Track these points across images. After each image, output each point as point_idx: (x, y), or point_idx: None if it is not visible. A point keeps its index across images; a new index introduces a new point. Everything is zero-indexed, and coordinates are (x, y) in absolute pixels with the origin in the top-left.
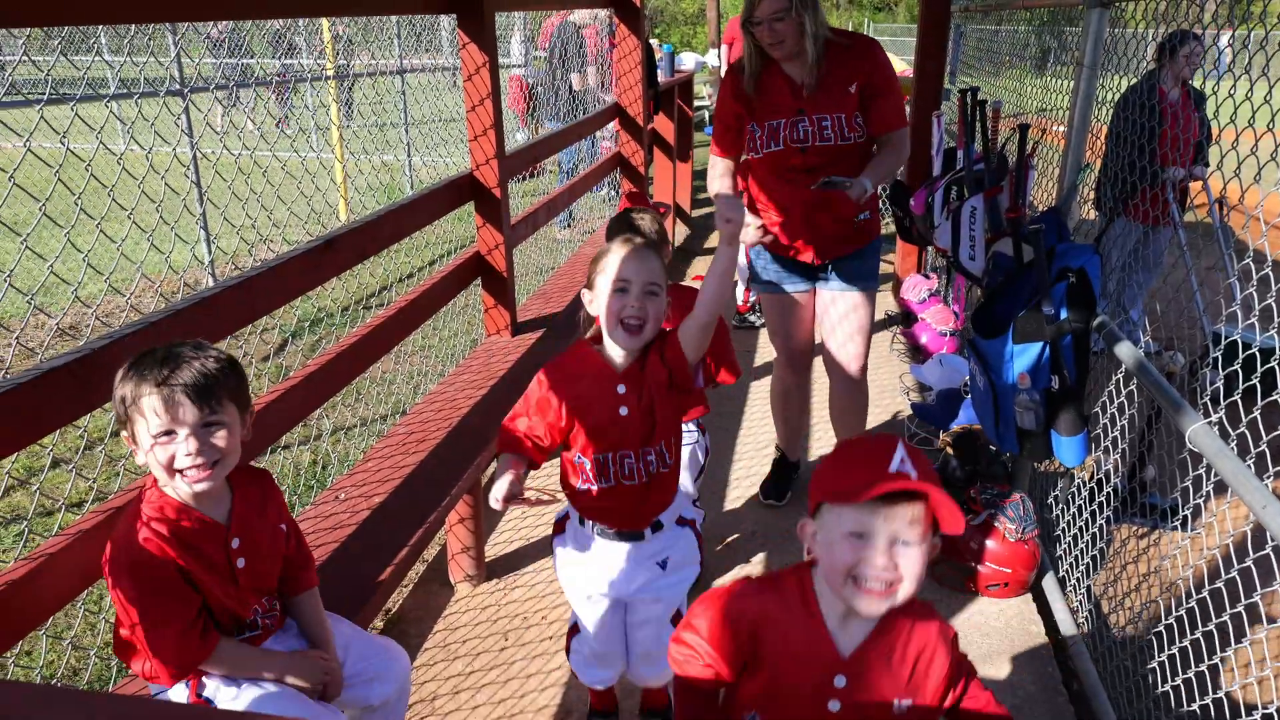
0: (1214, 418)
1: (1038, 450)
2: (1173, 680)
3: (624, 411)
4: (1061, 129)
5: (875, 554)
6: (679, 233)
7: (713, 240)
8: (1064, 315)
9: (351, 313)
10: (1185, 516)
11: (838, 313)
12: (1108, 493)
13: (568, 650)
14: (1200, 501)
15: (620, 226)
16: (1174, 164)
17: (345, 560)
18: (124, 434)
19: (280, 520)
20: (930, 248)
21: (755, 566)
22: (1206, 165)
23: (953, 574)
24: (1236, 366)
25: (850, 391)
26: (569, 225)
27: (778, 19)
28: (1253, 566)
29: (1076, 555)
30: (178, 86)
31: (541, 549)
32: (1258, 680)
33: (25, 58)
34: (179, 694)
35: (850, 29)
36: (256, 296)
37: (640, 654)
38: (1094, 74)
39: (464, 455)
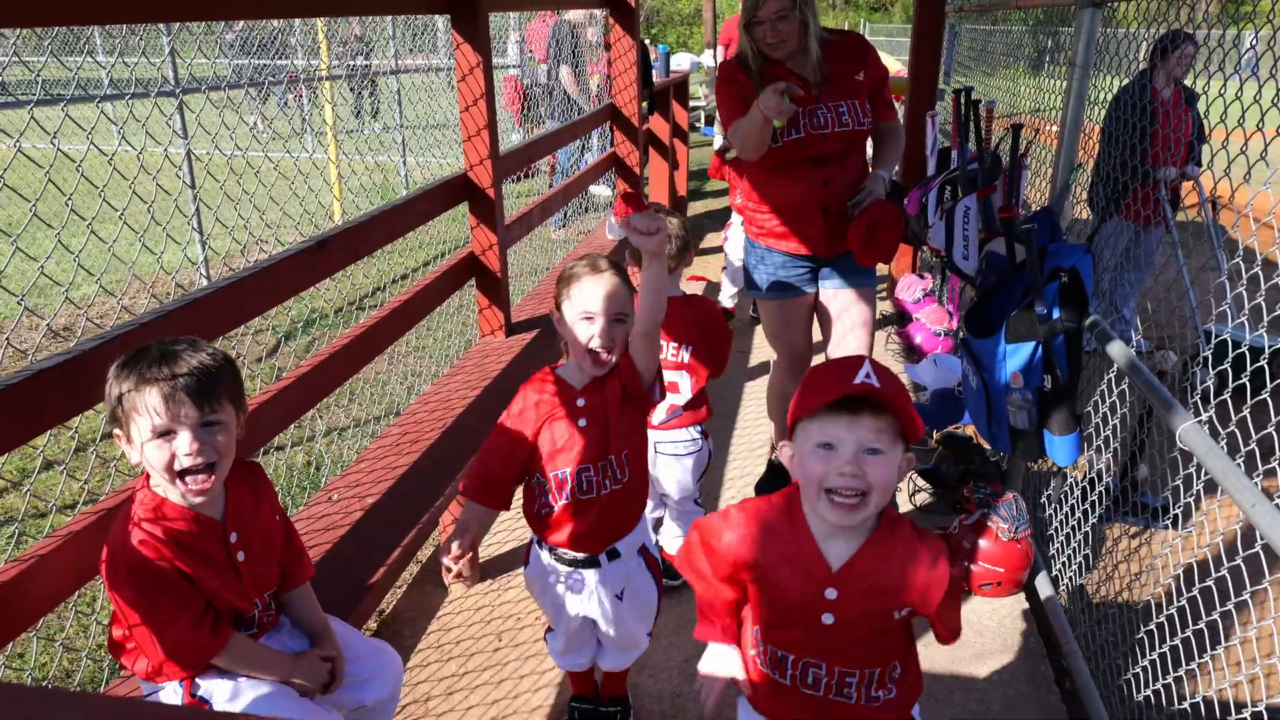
0: (1204, 417)
1: (1030, 449)
2: (1164, 678)
3: (583, 423)
4: (1054, 128)
5: (842, 461)
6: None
7: (710, 240)
8: (1056, 315)
9: (345, 314)
10: (1176, 515)
11: (837, 309)
12: (1100, 492)
13: (546, 639)
14: (1191, 500)
15: None
16: (1166, 163)
17: (338, 561)
18: (116, 432)
19: (274, 513)
20: (924, 247)
21: None
22: (1199, 165)
23: None
24: (1226, 365)
25: None
26: (564, 225)
27: (781, 18)
28: (1243, 565)
29: (1069, 554)
30: (170, 87)
31: None
32: (1248, 678)
33: (16, 59)
34: (172, 693)
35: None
36: (248, 297)
37: (609, 644)
38: (1086, 73)
39: (457, 455)
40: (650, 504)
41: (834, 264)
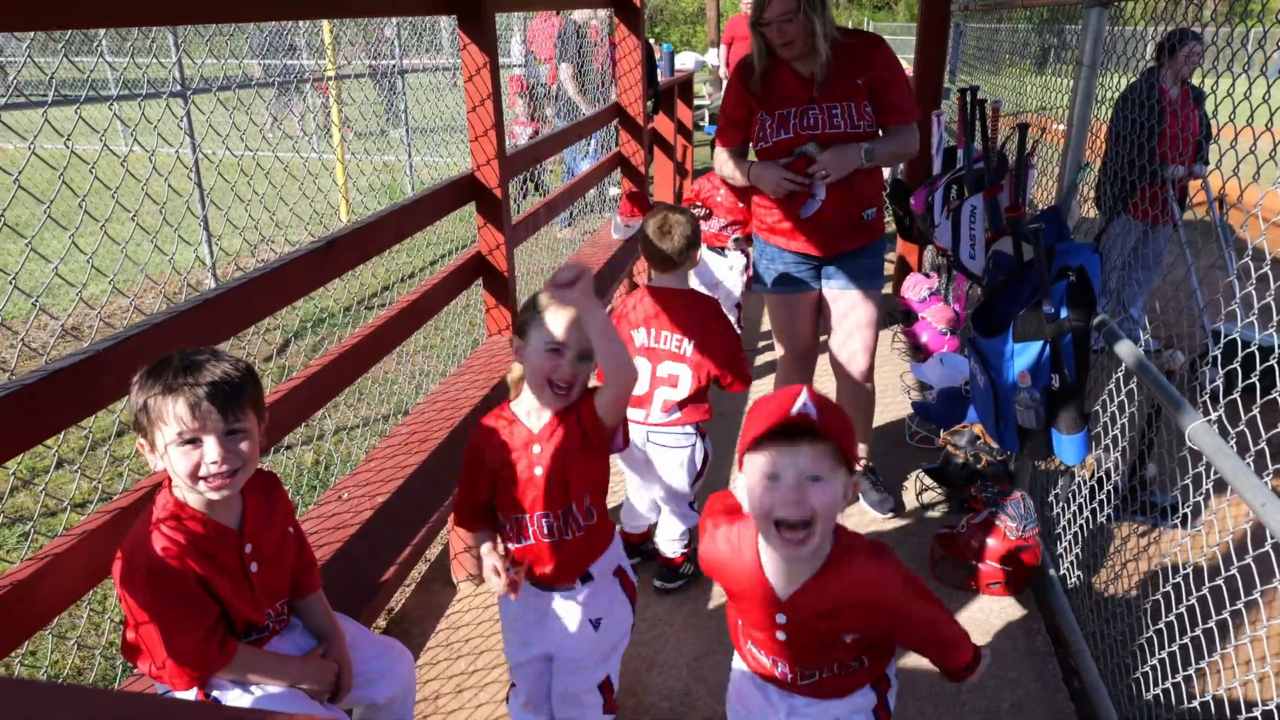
0: (1213, 416)
1: (1038, 448)
2: (1173, 677)
3: (538, 472)
4: (1061, 127)
5: (785, 489)
6: None
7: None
8: (1064, 314)
9: (354, 313)
10: (1185, 514)
11: (839, 311)
12: (1108, 490)
13: (508, 700)
14: (1200, 499)
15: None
16: (1174, 162)
17: (349, 560)
18: (139, 440)
19: (288, 524)
20: (930, 246)
21: None
22: (1206, 163)
23: (953, 572)
24: (1236, 365)
25: (855, 391)
26: (570, 225)
27: (786, 20)
28: (1252, 564)
29: (1077, 553)
30: (178, 88)
31: None
32: (1258, 677)
33: (29, 59)
34: (187, 693)
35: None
36: (258, 297)
37: (560, 698)
38: (1093, 72)
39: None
40: (646, 506)
41: (836, 263)
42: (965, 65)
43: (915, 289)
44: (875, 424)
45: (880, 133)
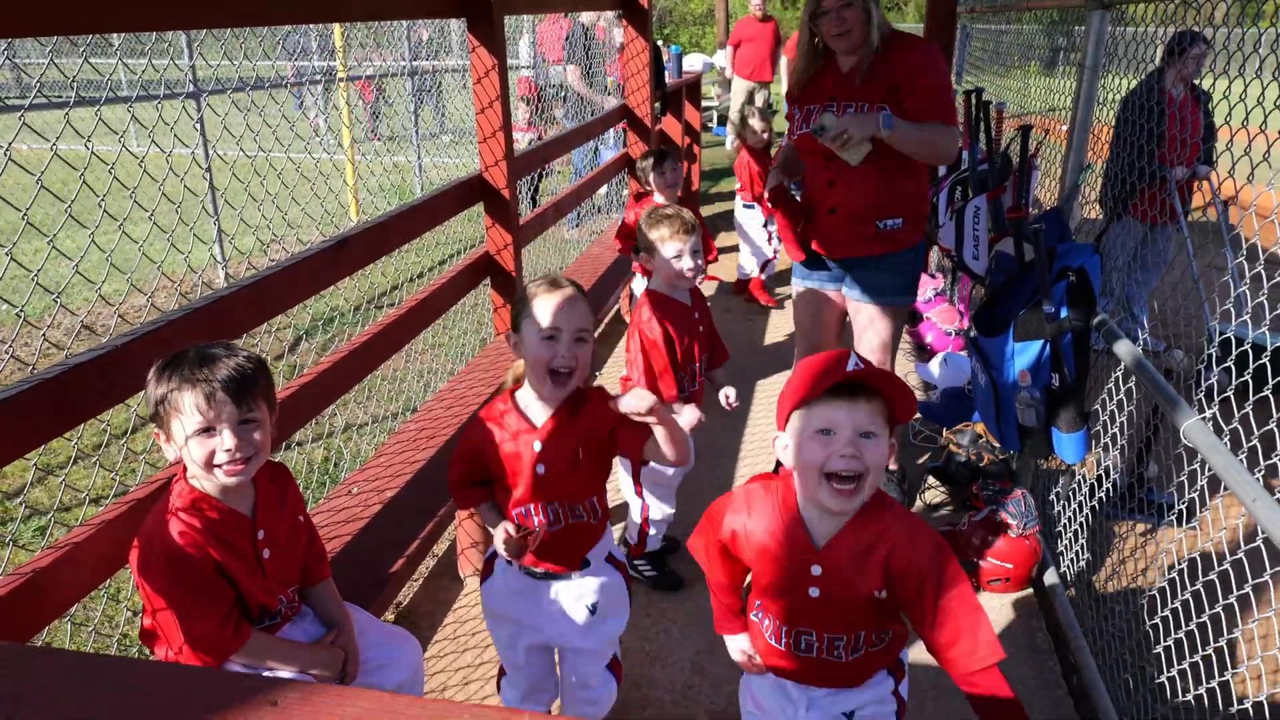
0: (1208, 414)
1: (1039, 447)
2: (1168, 671)
3: (540, 470)
4: (1064, 128)
5: (841, 444)
6: None
7: (723, 239)
8: (1064, 314)
9: (363, 311)
10: (1182, 511)
11: (859, 324)
12: (1107, 488)
13: (499, 689)
14: (1196, 496)
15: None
16: (1175, 164)
17: (358, 553)
18: (156, 431)
19: (298, 513)
20: (935, 247)
21: None
22: (1209, 164)
23: None
24: (1230, 363)
25: None
26: (577, 226)
27: (845, 6)
28: (1244, 559)
29: (1077, 551)
30: (193, 89)
31: None
32: (1251, 673)
33: (51, 61)
34: None
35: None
36: (271, 295)
37: (572, 685)
38: (1095, 75)
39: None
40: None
41: (855, 271)
42: (971, 67)
43: (920, 289)
44: None
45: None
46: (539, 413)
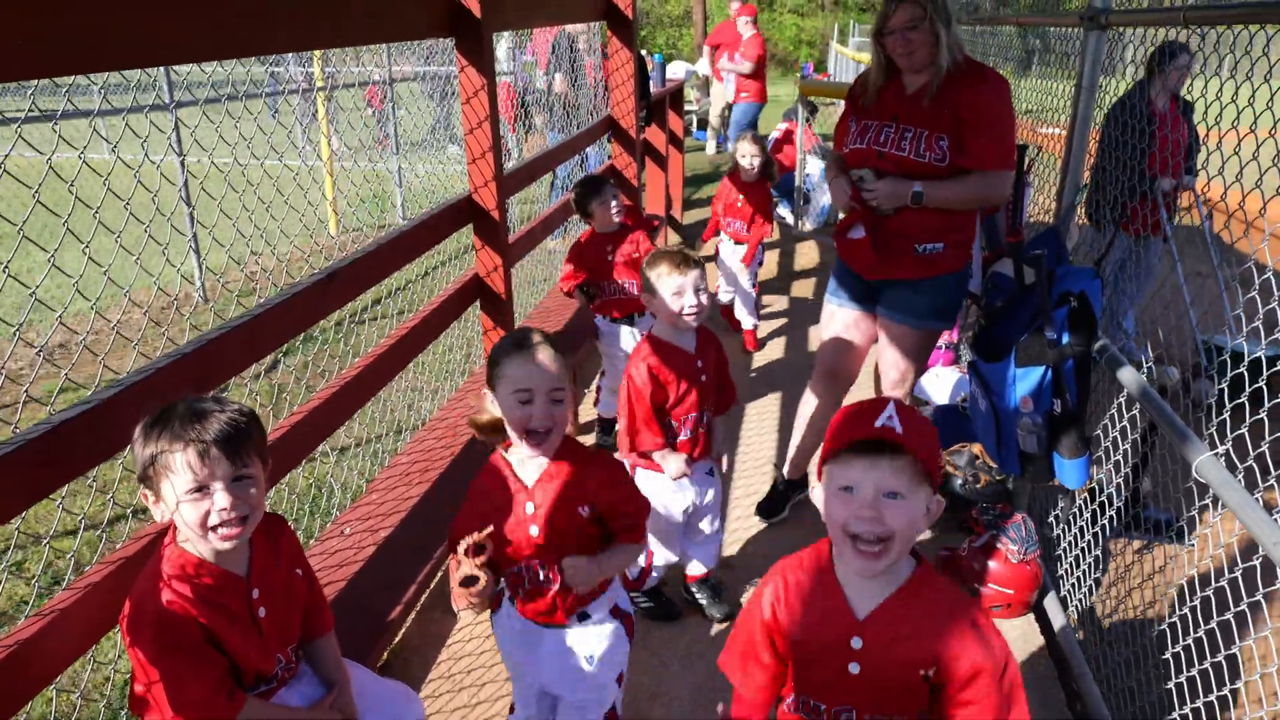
0: (1220, 450)
1: (1040, 473)
2: (1180, 709)
3: (534, 531)
4: (1053, 131)
5: (860, 504)
6: (672, 241)
7: (708, 247)
8: (1066, 339)
9: (345, 328)
10: (1181, 528)
11: (884, 340)
12: (1110, 514)
13: None
14: (1196, 514)
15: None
16: (1164, 174)
17: (353, 599)
18: (143, 491)
19: (296, 565)
20: None
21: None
22: (1195, 175)
23: None
24: (1226, 378)
25: None
26: (563, 235)
27: (911, 27)
28: (1260, 589)
29: (1079, 576)
30: (166, 100)
31: None
32: (1268, 711)
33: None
34: None
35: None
36: (261, 335)
37: None
38: (1092, 95)
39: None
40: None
41: (889, 290)
42: None
43: None
44: None
45: (955, 169)
46: (531, 471)
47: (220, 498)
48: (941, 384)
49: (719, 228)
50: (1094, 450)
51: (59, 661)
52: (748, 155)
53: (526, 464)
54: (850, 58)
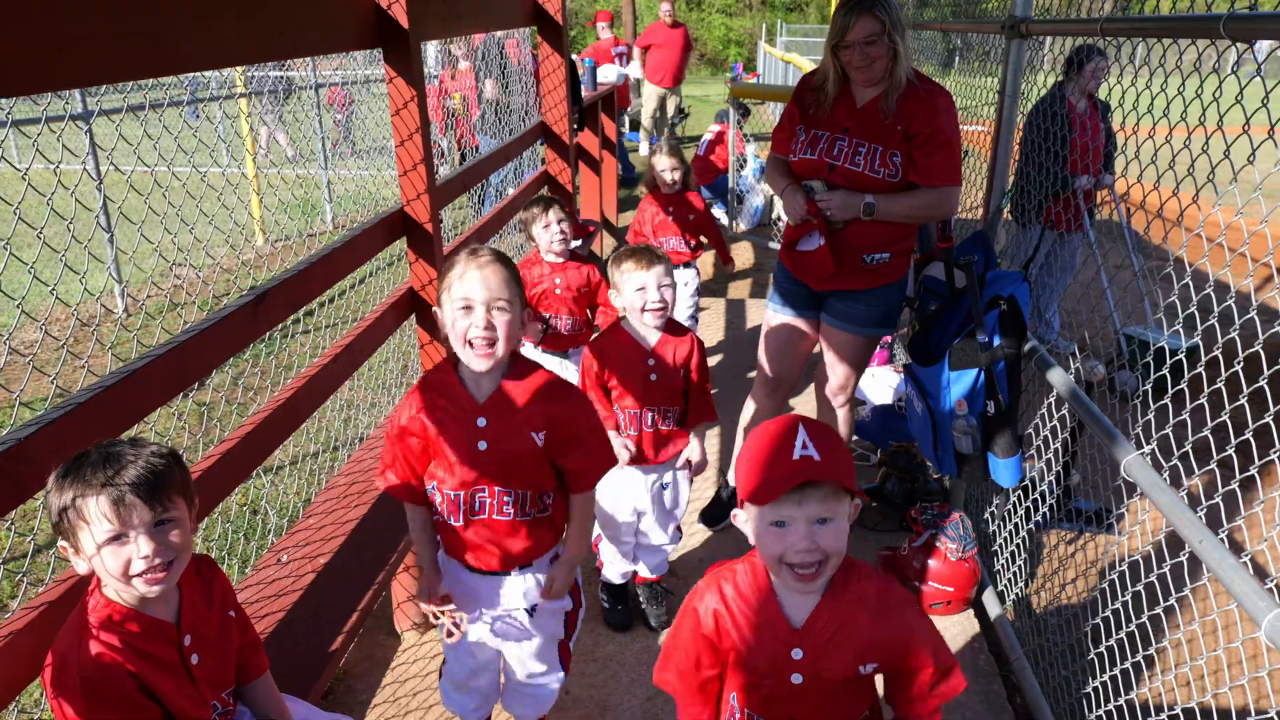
0: (1146, 449)
1: (975, 472)
2: (1115, 701)
3: (482, 446)
4: (977, 128)
5: (797, 538)
6: (608, 245)
7: None
8: (997, 342)
9: (275, 341)
10: (1111, 523)
11: (830, 349)
12: (1044, 510)
13: (440, 675)
14: (1125, 509)
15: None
16: (1083, 172)
17: (293, 631)
18: (61, 544)
19: (228, 608)
20: None
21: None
22: (1113, 173)
23: None
24: (1151, 365)
25: (828, 418)
26: (497, 241)
27: (870, 43)
28: (1188, 584)
29: (1015, 570)
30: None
31: None
32: (1182, 681)
33: None
34: None
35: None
36: (190, 360)
37: (513, 683)
38: (1015, 102)
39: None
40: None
41: (834, 300)
42: None
43: None
44: None
45: (907, 184)
46: (483, 386)
47: (142, 545)
48: (878, 384)
49: None
50: (1026, 449)
51: None
52: (668, 168)
53: (481, 380)
54: (778, 58)
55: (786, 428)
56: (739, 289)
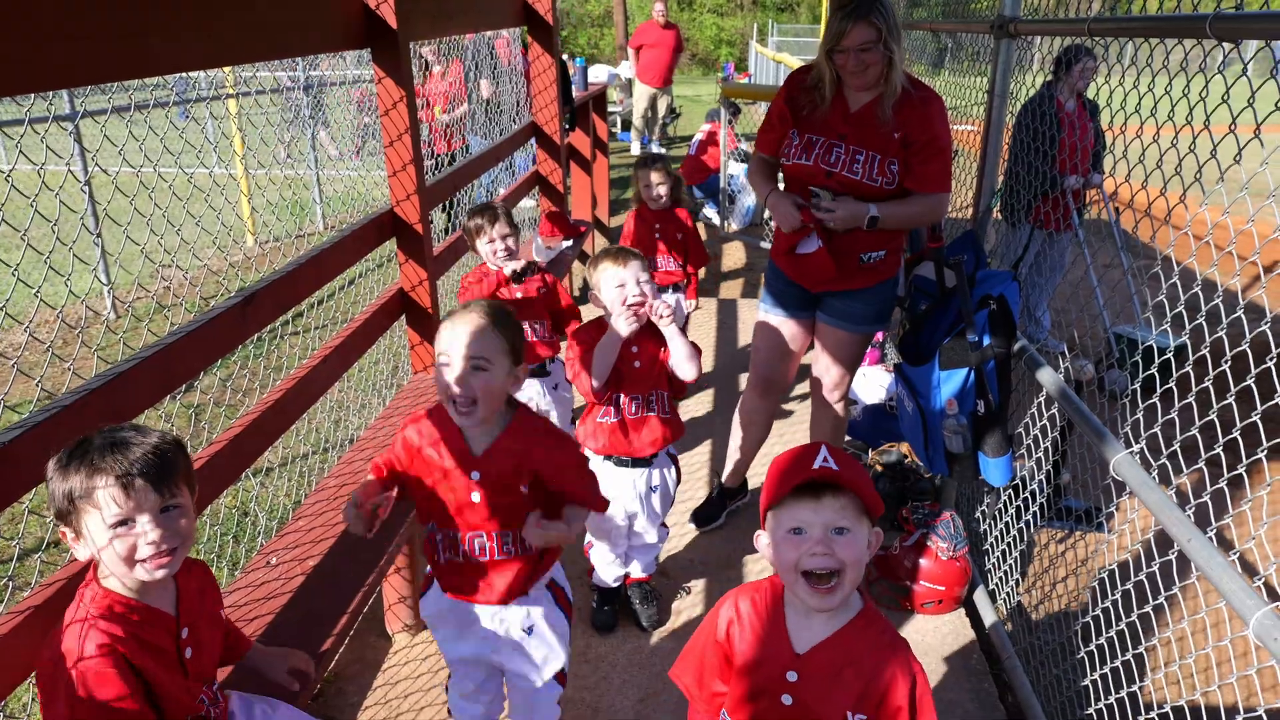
0: (1135, 448)
1: (966, 472)
2: (1106, 699)
3: (476, 499)
4: (967, 128)
5: (812, 543)
6: (599, 245)
7: None
8: (987, 341)
9: (264, 343)
10: (1101, 522)
11: (825, 348)
12: (1034, 509)
13: (447, 688)
14: (1115, 508)
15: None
16: (1072, 172)
17: (281, 634)
18: (62, 530)
19: (218, 608)
20: None
21: (696, 595)
22: (1102, 173)
23: (888, 593)
24: (1138, 362)
25: (822, 416)
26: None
27: (865, 49)
28: (1176, 578)
29: (1007, 569)
30: (69, 110)
31: None
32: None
33: None
34: None
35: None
36: (177, 362)
37: (516, 704)
38: (1004, 102)
39: (400, 507)
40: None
41: (830, 299)
42: None
43: None
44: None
45: (902, 190)
46: (480, 439)
47: (149, 530)
48: (870, 384)
49: None
50: (1016, 448)
51: None
52: (654, 184)
53: (475, 433)
54: (770, 58)
55: (809, 447)
56: (730, 289)
